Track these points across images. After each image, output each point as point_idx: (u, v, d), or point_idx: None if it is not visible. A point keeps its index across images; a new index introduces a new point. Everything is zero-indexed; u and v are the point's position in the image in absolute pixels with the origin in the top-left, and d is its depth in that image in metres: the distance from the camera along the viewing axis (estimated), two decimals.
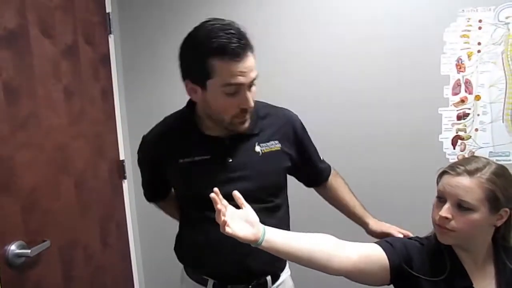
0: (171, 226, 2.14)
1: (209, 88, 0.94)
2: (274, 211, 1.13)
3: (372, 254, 0.91)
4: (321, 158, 1.30)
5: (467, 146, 2.01)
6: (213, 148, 1.05)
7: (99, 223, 1.70)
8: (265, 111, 1.13)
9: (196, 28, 0.95)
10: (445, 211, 0.86)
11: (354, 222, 1.30)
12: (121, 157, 1.98)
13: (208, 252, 1.10)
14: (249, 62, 0.92)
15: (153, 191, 1.36)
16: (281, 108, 1.20)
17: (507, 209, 0.87)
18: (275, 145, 1.11)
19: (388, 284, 0.92)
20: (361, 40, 1.97)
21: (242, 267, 1.08)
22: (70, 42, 1.53)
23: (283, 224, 1.19)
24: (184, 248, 1.23)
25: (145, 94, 2.08)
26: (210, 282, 1.12)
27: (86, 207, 1.58)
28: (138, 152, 1.24)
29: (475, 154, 2.00)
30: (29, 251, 1.14)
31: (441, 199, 0.89)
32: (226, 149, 1.06)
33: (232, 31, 0.90)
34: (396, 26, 1.95)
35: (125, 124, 2.07)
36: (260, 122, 1.10)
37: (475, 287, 0.86)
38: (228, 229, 0.79)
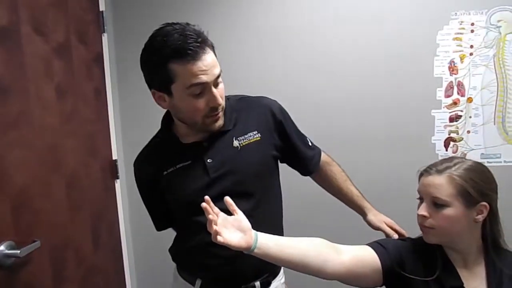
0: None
1: (175, 93, 0.93)
2: (264, 203, 1.11)
3: (364, 257, 0.91)
4: (310, 144, 1.25)
5: (459, 148, 2.03)
6: (192, 153, 1.06)
7: (91, 224, 1.68)
8: (240, 104, 1.11)
9: (151, 36, 0.95)
10: (422, 209, 0.91)
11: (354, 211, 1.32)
12: (114, 157, 1.96)
13: (197, 254, 1.12)
14: (209, 59, 0.91)
15: (162, 218, 1.29)
16: (258, 96, 1.15)
17: (485, 204, 0.89)
18: (254, 136, 1.08)
19: (381, 286, 0.92)
20: (355, 43, 1.98)
21: (230, 270, 1.07)
22: (62, 41, 1.51)
23: (276, 216, 1.18)
24: (177, 249, 1.26)
25: (138, 94, 2.06)
26: (198, 282, 1.14)
27: (77, 207, 1.56)
28: (136, 181, 1.26)
29: (467, 156, 2.02)
30: (19, 251, 1.12)
31: (420, 199, 0.95)
32: (204, 152, 1.06)
33: (187, 32, 0.89)
34: (390, 29, 1.96)
35: (118, 123, 2.05)
36: (235, 116, 1.09)
37: (466, 287, 0.87)
38: (219, 238, 0.78)
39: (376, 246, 0.94)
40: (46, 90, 1.39)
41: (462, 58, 1.98)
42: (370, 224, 1.25)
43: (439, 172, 0.91)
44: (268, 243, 0.83)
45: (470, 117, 2.01)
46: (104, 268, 1.79)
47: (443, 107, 2.01)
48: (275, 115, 1.12)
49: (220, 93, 0.96)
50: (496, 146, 2.02)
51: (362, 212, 1.28)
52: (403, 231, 1.18)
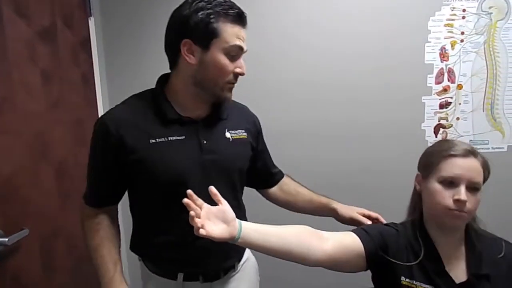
0: None
1: (212, 48, 0.95)
2: (239, 197, 1.15)
3: (348, 243, 0.92)
4: (274, 163, 1.33)
5: (448, 134, 2.06)
6: (187, 129, 1.03)
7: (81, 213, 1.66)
8: (232, 103, 1.15)
9: None
10: (464, 194, 0.85)
11: (322, 216, 1.26)
12: None
13: (181, 247, 1.04)
14: (245, 33, 0.99)
15: (105, 191, 1.11)
16: (238, 102, 1.21)
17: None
18: (242, 134, 1.13)
19: (365, 270, 0.94)
20: (346, 29, 1.97)
21: (211, 256, 1.06)
22: (47, 24, 1.46)
23: (243, 210, 1.19)
24: (150, 243, 1.13)
25: (127, 79, 2.02)
26: (180, 276, 1.08)
27: (67, 196, 1.54)
28: (93, 139, 1.06)
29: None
30: (7, 239, 1.10)
31: (451, 183, 0.87)
32: (200, 131, 1.04)
33: (230, 1, 0.98)
34: (382, 15, 1.95)
35: (107, 109, 2.01)
36: (229, 109, 1.12)
37: (447, 269, 0.89)
38: (202, 231, 0.76)
39: (360, 231, 0.95)
40: (30, 75, 1.35)
41: (453, 45, 1.98)
42: (343, 219, 1.21)
43: (474, 154, 0.88)
44: (251, 232, 0.83)
45: (460, 104, 2.03)
46: None
47: (434, 94, 2.02)
48: (258, 124, 1.22)
49: (244, 65, 1.02)
50: (484, 133, 2.05)
51: (331, 209, 1.23)
52: (375, 214, 1.18)
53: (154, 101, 1.03)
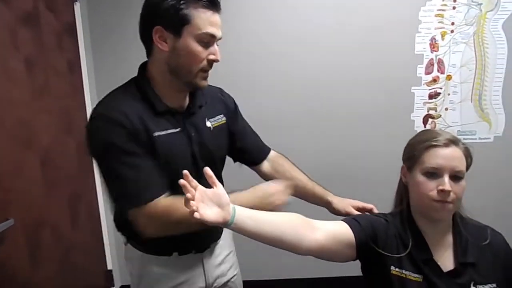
0: None
1: (184, 35, 0.92)
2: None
3: (339, 232, 0.92)
4: (258, 140, 1.28)
5: (437, 125, 2.08)
6: (177, 120, 1.00)
7: (68, 202, 1.64)
8: (206, 89, 1.09)
9: None
10: (448, 184, 0.86)
11: (315, 204, 1.24)
12: None
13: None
14: (220, 19, 0.96)
15: (162, 176, 0.96)
16: (213, 85, 1.16)
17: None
18: (221, 119, 1.11)
19: (354, 260, 0.94)
20: (337, 20, 1.95)
21: (206, 233, 1.04)
22: (29, 9, 1.41)
23: None
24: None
25: (115, 66, 1.97)
26: (175, 253, 1.07)
27: (53, 185, 1.52)
28: (108, 138, 0.91)
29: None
30: None
31: (434, 174, 0.88)
32: (186, 122, 1.02)
33: None
34: (373, 4, 1.93)
35: (95, 98, 1.97)
36: (204, 96, 1.09)
37: (435, 258, 0.90)
38: (196, 215, 0.75)
39: (351, 221, 0.96)
40: (12, 62, 1.30)
41: (443, 35, 1.98)
42: (337, 212, 1.20)
43: (455, 143, 0.89)
44: (245, 219, 0.82)
45: (449, 94, 2.05)
46: (83, 246, 1.76)
47: (423, 84, 2.03)
48: (232, 104, 1.18)
49: (218, 52, 0.98)
50: (472, 123, 2.08)
51: (326, 201, 1.22)
52: (369, 206, 1.18)
53: (141, 93, 0.98)
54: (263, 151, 1.25)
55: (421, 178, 0.90)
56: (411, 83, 2.02)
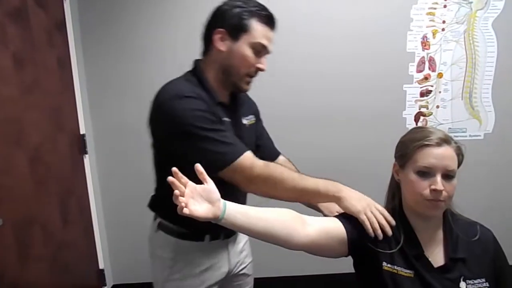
0: (137, 200, 2.09)
1: (241, 41, 1.06)
2: None
3: (331, 228, 0.92)
4: (271, 142, 1.38)
5: (428, 122, 2.09)
6: (227, 112, 1.10)
7: (59, 200, 1.62)
8: None
9: None
10: (440, 184, 0.86)
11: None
12: (82, 131, 1.88)
13: None
14: (273, 35, 1.10)
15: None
16: None
17: None
18: (252, 119, 1.22)
19: (346, 256, 0.95)
20: (329, 16, 1.95)
21: None
22: (18, 4, 1.39)
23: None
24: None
25: (106, 64, 1.96)
26: (207, 237, 1.13)
27: (43, 183, 1.50)
28: (194, 109, 0.99)
29: None
30: None
31: (426, 173, 0.88)
32: (232, 116, 1.12)
33: (267, 9, 1.08)
34: (366, 2, 1.94)
35: (85, 95, 1.95)
36: (240, 97, 1.21)
37: (426, 254, 0.91)
38: (185, 210, 0.75)
39: (343, 217, 0.96)
40: (1, 58, 1.28)
41: (434, 34, 2.00)
42: (328, 214, 1.21)
43: (447, 142, 0.89)
44: (235, 214, 0.82)
45: (440, 92, 2.07)
46: (75, 244, 1.75)
47: (415, 82, 2.04)
48: (257, 107, 1.32)
49: (266, 63, 1.11)
50: (462, 121, 2.10)
51: (319, 211, 1.23)
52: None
53: (201, 83, 1.08)
54: (274, 154, 1.34)
55: (413, 177, 0.90)
56: (403, 81, 2.04)
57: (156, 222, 1.17)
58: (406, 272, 0.90)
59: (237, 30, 1.04)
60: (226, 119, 1.08)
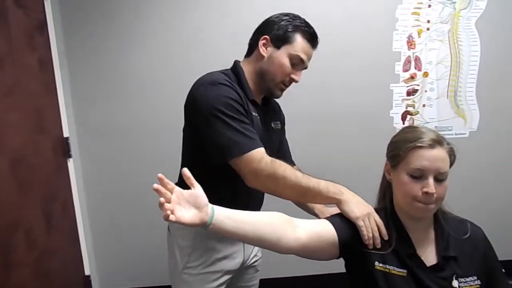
0: (124, 204, 2.06)
1: (281, 50, 1.15)
2: None
3: (322, 231, 0.92)
4: (289, 152, 1.45)
5: (415, 121, 2.11)
6: (258, 111, 1.18)
7: (42, 205, 1.57)
8: None
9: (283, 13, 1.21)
10: (432, 187, 0.86)
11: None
12: (65, 134, 1.83)
13: (242, 197, 1.13)
14: (312, 53, 1.19)
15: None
16: None
17: None
18: (279, 125, 1.31)
19: (337, 259, 0.94)
20: (315, 16, 1.95)
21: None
22: None
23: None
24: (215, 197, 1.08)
25: (90, 64, 1.92)
26: None
27: (25, 188, 1.45)
28: (226, 99, 1.04)
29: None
30: None
31: (419, 175, 0.88)
32: (262, 116, 1.19)
33: (312, 27, 1.18)
34: (352, 1, 1.95)
35: (69, 97, 1.91)
36: (272, 102, 1.30)
37: (418, 253, 0.91)
38: (171, 217, 0.73)
39: (334, 220, 0.95)
40: None
41: (419, 33, 2.02)
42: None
43: (440, 144, 0.88)
44: (223, 219, 0.80)
45: (426, 91, 2.09)
46: (59, 250, 1.70)
47: (401, 81, 2.06)
48: (284, 117, 1.40)
49: (300, 76, 1.20)
50: (448, 119, 2.13)
51: (315, 215, 1.25)
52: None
53: (238, 79, 1.16)
54: (289, 163, 1.35)
55: (405, 178, 0.90)
56: (389, 80, 2.05)
57: None
58: (398, 271, 0.90)
59: (280, 40, 1.14)
60: (255, 114, 1.14)
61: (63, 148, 1.82)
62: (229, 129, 1.01)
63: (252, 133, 1.04)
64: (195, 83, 1.11)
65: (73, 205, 1.88)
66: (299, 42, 1.14)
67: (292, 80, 1.18)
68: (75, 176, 1.90)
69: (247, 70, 1.18)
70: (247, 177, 1.02)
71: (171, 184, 0.78)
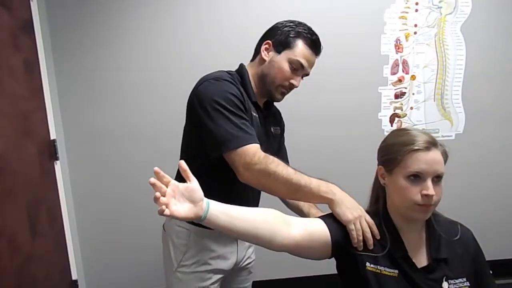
0: (112, 208, 2.03)
1: (282, 55, 1.17)
2: None
3: (315, 230, 0.92)
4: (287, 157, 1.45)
5: (403, 123, 2.14)
6: (259, 113, 1.20)
7: (27, 210, 1.54)
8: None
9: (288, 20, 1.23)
10: (432, 189, 0.86)
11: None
12: (52, 137, 1.80)
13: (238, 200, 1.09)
14: (314, 60, 1.22)
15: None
16: None
17: None
18: (278, 130, 1.34)
19: (329, 258, 0.94)
20: (303, 18, 1.96)
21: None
22: None
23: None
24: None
25: (78, 65, 1.89)
26: None
27: (9, 193, 1.42)
28: (226, 90, 1.07)
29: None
30: None
31: (417, 178, 0.88)
32: (266, 119, 1.24)
33: (316, 35, 1.21)
34: (339, 5, 1.97)
35: (56, 99, 1.87)
36: (273, 107, 1.32)
37: (410, 255, 0.92)
38: (166, 211, 0.73)
39: (328, 220, 0.95)
40: None
41: (407, 37, 2.05)
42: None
43: (435, 145, 0.89)
44: (218, 215, 0.81)
45: (413, 94, 2.12)
46: (45, 256, 1.66)
47: (389, 84, 2.09)
48: (284, 125, 1.43)
49: (299, 81, 1.21)
50: (435, 122, 2.16)
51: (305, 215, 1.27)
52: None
53: (242, 80, 1.18)
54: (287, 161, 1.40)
55: (403, 182, 0.90)
56: (377, 83, 2.07)
57: None
58: (390, 272, 0.90)
59: (281, 44, 1.17)
60: (255, 114, 1.16)
61: (50, 151, 1.78)
62: (227, 123, 1.02)
63: (249, 129, 1.06)
64: (200, 79, 1.13)
65: (60, 209, 1.84)
66: (299, 47, 1.16)
67: (291, 85, 1.19)
68: (62, 180, 1.86)
69: (251, 73, 1.21)
70: (239, 170, 1.02)
71: (167, 178, 0.78)
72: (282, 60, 1.17)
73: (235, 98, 1.07)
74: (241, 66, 1.24)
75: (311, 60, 1.20)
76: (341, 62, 2.02)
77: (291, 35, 1.17)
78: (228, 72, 1.18)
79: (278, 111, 1.39)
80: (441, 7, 2.04)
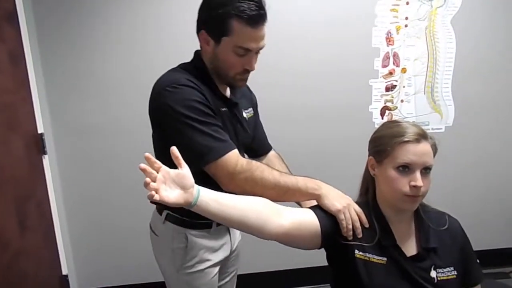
0: (102, 202, 2.01)
1: (222, 44, 1.02)
2: None
3: (305, 221, 0.92)
4: (265, 136, 1.40)
5: (393, 116, 2.16)
6: (227, 105, 1.11)
7: (15, 204, 1.51)
8: None
9: None
10: (420, 180, 0.87)
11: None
12: (40, 130, 1.76)
13: None
14: (263, 31, 1.03)
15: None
16: None
17: None
18: (251, 112, 1.24)
19: (319, 249, 0.95)
20: (295, 14, 1.95)
21: None
22: None
23: None
24: None
25: (65, 57, 1.85)
26: (214, 224, 1.16)
27: None
28: (188, 99, 0.98)
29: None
30: None
31: (406, 169, 0.89)
32: (236, 107, 1.14)
33: (254, 0, 0.99)
34: None
35: (43, 92, 1.83)
36: (240, 90, 1.20)
37: (399, 244, 0.93)
38: (156, 197, 0.73)
39: (318, 210, 0.96)
40: None
41: (398, 29, 2.05)
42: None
43: (425, 138, 0.90)
44: (208, 201, 0.81)
45: (404, 87, 2.13)
46: (34, 251, 1.64)
47: (380, 77, 2.09)
48: (256, 99, 1.33)
49: (255, 60, 1.07)
50: (425, 115, 2.18)
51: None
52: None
53: (200, 73, 1.06)
54: (266, 148, 1.37)
55: (392, 173, 0.91)
56: (368, 75, 2.08)
57: (164, 215, 1.16)
58: (378, 259, 0.92)
59: (217, 33, 1.01)
60: (223, 109, 1.08)
61: (38, 145, 1.75)
62: (200, 135, 0.96)
63: (223, 135, 1.00)
64: (155, 85, 1.03)
65: (49, 204, 1.82)
66: (239, 30, 0.98)
67: (247, 70, 1.07)
68: (51, 174, 1.83)
69: (206, 62, 1.09)
70: (223, 181, 0.99)
71: (158, 163, 0.77)
72: (225, 51, 1.02)
73: (200, 105, 0.98)
74: (197, 54, 1.11)
75: (257, 36, 1.01)
76: (332, 54, 2.01)
77: (225, 19, 0.98)
78: (185, 68, 1.07)
79: (248, 87, 1.28)
80: (432, 0, 2.04)
